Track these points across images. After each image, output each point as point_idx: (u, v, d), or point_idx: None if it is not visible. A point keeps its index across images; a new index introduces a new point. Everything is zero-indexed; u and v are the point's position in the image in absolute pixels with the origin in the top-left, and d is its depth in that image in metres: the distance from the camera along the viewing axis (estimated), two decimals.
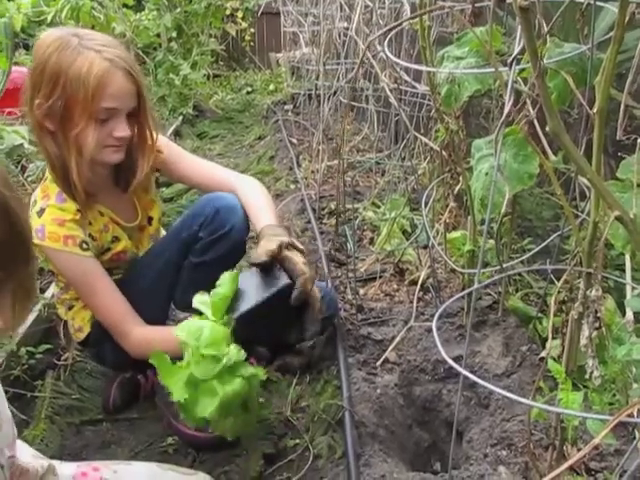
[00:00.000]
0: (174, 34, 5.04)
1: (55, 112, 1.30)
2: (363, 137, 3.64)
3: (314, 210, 2.61)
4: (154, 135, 1.46)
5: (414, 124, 2.53)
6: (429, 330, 1.68)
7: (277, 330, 1.39)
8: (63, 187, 1.37)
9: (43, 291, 1.95)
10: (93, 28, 4.02)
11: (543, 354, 1.50)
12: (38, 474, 1.02)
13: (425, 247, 2.13)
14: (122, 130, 1.34)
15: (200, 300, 1.24)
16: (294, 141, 3.77)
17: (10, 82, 2.95)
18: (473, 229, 1.55)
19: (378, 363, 1.64)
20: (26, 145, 2.68)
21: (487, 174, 1.47)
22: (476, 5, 1.68)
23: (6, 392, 1.52)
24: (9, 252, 0.73)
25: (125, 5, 4.63)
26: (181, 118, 4.63)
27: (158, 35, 4.88)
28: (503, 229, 1.83)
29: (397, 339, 1.66)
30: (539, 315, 1.58)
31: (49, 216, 1.35)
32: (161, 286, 1.51)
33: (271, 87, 6.09)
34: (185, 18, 4.95)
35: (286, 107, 4.78)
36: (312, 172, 3.06)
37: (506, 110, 0.88)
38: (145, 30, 4.55)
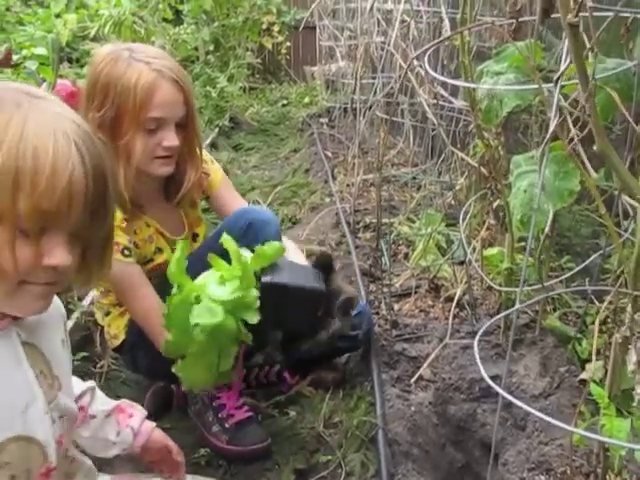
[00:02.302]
0: (211, 47, 5.13)
1: (106, 123, 1.33)
2: (398, 151, 3.64)
3: (349, 224, 2.61)
4: (202, 147, 1.50)
5: (450, 139, 2.51)
6: (465, 348, 1.66)
7: (289, 326, 1.41)
8: None
9: (81, 299, 1.99)
10: (134, 42, 4.12)
11: (583, 376, 1.47)
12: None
13: (461, 263, 2.10)
14: (171, 140, 1.36)
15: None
16: (329, 154, 3.78)
17: (54, 93, 3.04)
18: (511, 247, 1.53)
19: (412, 380, 1.62)
20: None
21: (526, 191, 1.45)
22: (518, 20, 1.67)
23: None
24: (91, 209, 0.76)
25: (165, 19, 4.74)
26: (217, 130, 4.69)
27: (196, 48, 4.97)
28: (541, 247, 1.80)
29: (432, 356, 1.64)
30: (578, 335, 1.54)
31: None
32: None
33: (306, 100, 6.13)
34: (222, 32, 5.04)
35: (321, 120, 4.81)
36: (347, 185, 3.06)
37: (551, 128, 0.87)
38: (183, 43, 4.64)
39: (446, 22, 1.38)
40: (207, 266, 1.49)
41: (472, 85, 1.28)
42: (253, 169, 3.97)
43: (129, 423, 1.11)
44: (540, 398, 1.45)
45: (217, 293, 1.13)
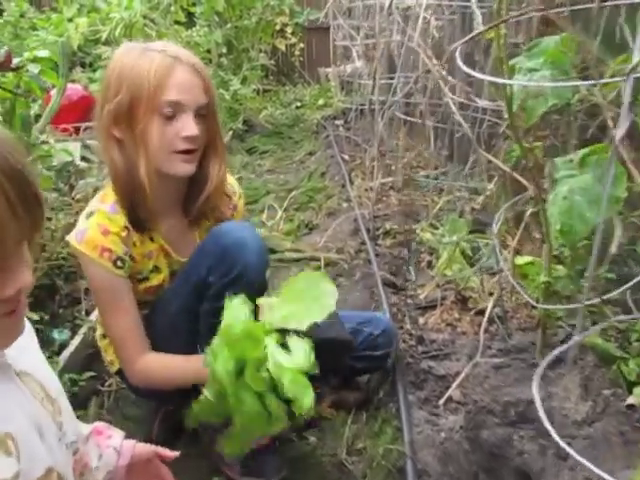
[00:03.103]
0: (224, 49, 5.04)
1: (121, 114, 1.22)
2: (417, 153, 3.52)
3: (368, 230, 2.50)
4: (224, 145, 1.36)
5: (474, 141, 2.39)
6: (497, 367, 1.54)
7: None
8: (123, 199, 1.27)
9: (88, 313, 1.90)
10: None
11: (631, 400, 1.34)
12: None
13: (489, 272, 1.99)
14: (190, 129, 1.22)
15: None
16: (346, 157, 3.67)
17: (65, 98, 2.97)
18: (549, 258, 1.41)
19: (441, 402, 1.50)
20: (77, 162, 2.68)
21: (566, 198, 1.33)
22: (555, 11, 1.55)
23: None
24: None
25: (176, 22, 4.66)
26: (231, 133, 4.61)
27: (209, 51, 4.89)
28: (576, 255, 1.68)
29: (462, 376, 1.52)
30: (623, 355, 1.42)
31: (95, 220, 1.26)
32: (177, 333, 1.36)
33: (320, 102, 6.03)
34: (235, 34, 4.95)
35: (337, 122, 4.70)
36: (365, 190, 2.95)
37: (621, 131, 0.75)
38: (196, 46, 4.55)
39: (478, 13, 1.27)
40: (183, 301, 1.34)
41: (514, 82, 1.16)
42: (268, 173, 3.87)
43: (110, 444, 1.01)
44: (583, 425, 1.32)
45: (295, 361, 0.99)
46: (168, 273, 1.38)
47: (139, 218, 1.29)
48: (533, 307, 1.57)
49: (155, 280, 1.37)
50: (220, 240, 1.28)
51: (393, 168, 3.18)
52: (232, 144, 4.48)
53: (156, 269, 1.37)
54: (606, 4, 1.14)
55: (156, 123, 1.22)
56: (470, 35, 1.08)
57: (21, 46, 4.92)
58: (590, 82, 1.15)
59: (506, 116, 1.47)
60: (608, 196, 1.31)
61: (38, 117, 2.76)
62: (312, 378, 1.06)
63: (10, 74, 1.59)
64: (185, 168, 1.27)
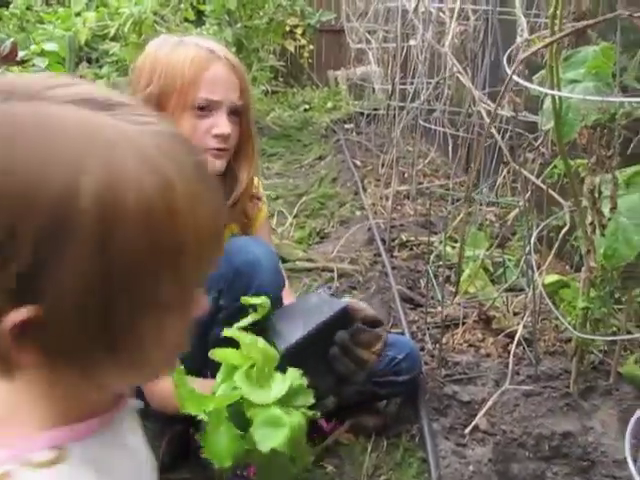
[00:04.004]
0: (234, 49, 4.95)
1: (151, 103, 1.14)
2: (429, 161, 3.43)
3: (383, 241, 2.41)
4: (256, 149, 1.29)
5: (496, 152, 2.31)
6: (527, 395, 1.45)
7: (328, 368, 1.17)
8: None
9: None
10: None
11: None
12: None
13: (513, 290, 1.90)
14: (223, 126, 1.16)
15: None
16: (357, 163, 3.58)
17: None
18: (588, 282, 1.32)
19: (467, 431, 1.41)
20: None
21: (610, 219, 1.24)
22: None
23: None
24: None
25: (186, 19, 4.58)
26: None
27: None
28: (608, 277, 1.60)
29: (489, 403, 1.43)
30: None
31: None
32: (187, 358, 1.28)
33: (329, 105, 5.95)
34: (245, 33, 4.86)
35: (347, 126, 4.62)
36: (380, 198, 2.86)
37: None
38: None
39: (523, 20, 1.18)
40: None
41: (576, 96, 1.08)
42: (276, 176, 3.78)
43: None
44: (624, 463, 1.23)
45: (263, 396, 0.90)
46: None
47: None
48: (565, 336, 1.48)
49: None
50: (231, 260, 1.19)
51: (406, 175, 3.10)
52: None
53: None
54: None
55: (187, 118, 1.16)
56: (541, 44, 0.99)
57: (27, 39, 4.85)
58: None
59: (544, 128, 1.39)
60: None
61: None
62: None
63: (16, 67, 1.50)
64: (214, 164, 1.20)
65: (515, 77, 1.07)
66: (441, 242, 2.26)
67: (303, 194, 3.23)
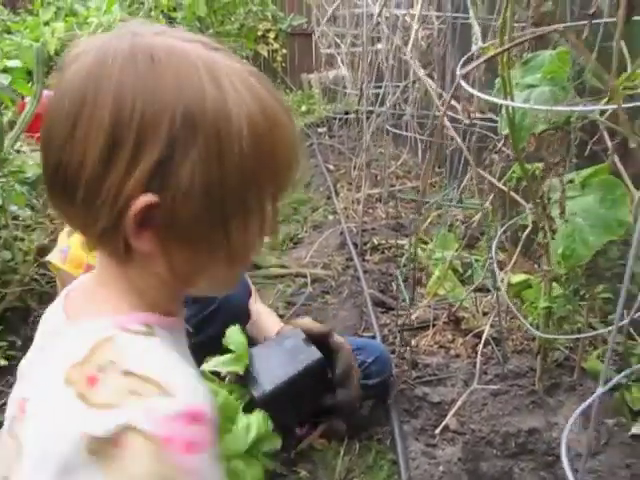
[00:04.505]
0: None
1: None
2: (402, 162, 3.47)
3: (355, 245, 2.43)
4: None
5: (463, 154, 2.34)
6: (495, 394, 1.48)
7: (304, 410, 1.19)
8: None
9: None
10: None
11: (635, 430, 1.29)
12: None
13: (482, 290, 1.93)
14: None
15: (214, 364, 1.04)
16: (330, 167, 3.61)
17: (40, 106, 2.87)
18: (549, 282, 1.35)
19: (437, 431, 1.44)
20: None
21: (567, 221, 1.28)
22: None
23: None
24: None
25: None
26: None
27: None
28: (572, 275, 1.63)
29: (458, 404, 1.46)
30: (627, 383, 1.37)
31: (79, 238, 1.19)
32: None
33: (303, 108, 5.96)
34: (217, 39, 4.86)
35: (320, 130, 4.64)
36: (352, 202, 2.88)
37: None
38: None
39: (477, 29, 1.21)
40: None
41: (526, 106, 1.11)
42: None
43: None
44: (587, 457, 1.27)
45: (231, 445, 0.90)
46: None
47: None
48: (532, 334, 1.51)
49: None
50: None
51: (379, 178, 3.13)
52: None
53: None
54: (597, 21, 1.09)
55: None
56: (486, 56, 1.02)
57: None
58: (592, 108, 1.09)
59: (502, 133, 1.42)
60: (611, 219, 1.26)
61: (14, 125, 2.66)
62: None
63: None
64: None
65: (465, 85, 1.09)
66: (411, 245, 2.29)
67: None
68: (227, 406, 0.96)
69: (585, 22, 1.23)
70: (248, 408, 1.00)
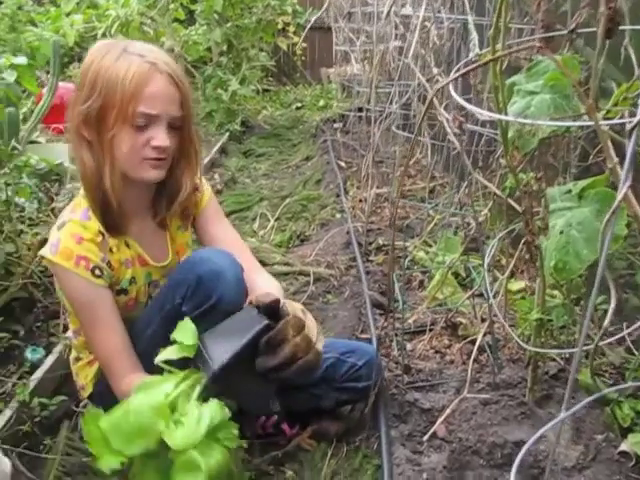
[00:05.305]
0: (224, 48, 4.96)
1: (91, 117, 1.19)
2: (414, 161, 3.45)
3: (360, 245, 2.43)
4: (199, 154, 1.33)
5: (471, 158, 2.32)
6: (485, 403, 1.47)
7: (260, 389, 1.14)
8: (93, 201, 1.24)
9: (66, 329, 1.83)
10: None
11: (624, 447, 1.28)
12: None
13: (481, 295, 1.92)
14: (161, 139, 1.19)
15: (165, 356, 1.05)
16: (342, 164, 3.60)
17: (57, 98, 2.91)
18: (542, 294, 1.34)
19: (425, 438, 1.43)
20: (67, 164, 2.61)
21: (562, 232, 1.26)
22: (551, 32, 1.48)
23: (14, 448, 1.41)
24: None
25: (177, 19, 4.58)
26: (227, 135, 4.54)
27: (209, 49, 4.81)
28: (573, 284, 1.61)
29: (447, 411, 1.45)
30: (619, 398, 1.35)
31: (68, 230, 1.22)
32: (151, 360, 1.21)
33: (321, 103, 5.96)
34: (235, 33, 4.87)
35: (335, 125, 4.63)
36: (360, 201, 2.88)
37: (626, 186, 0.67)
38: (194, 45, 4.48)
39: (474, 36, 1.19)
40: (156, 328, 1.27)
41: (507, 118, 1.09)
42: (263, 177, 3.80)
43: None
44: (573, 471, 1.26)
45: (181, 440, 0.91)
46: (144, 283, 1.35)
47: (111, 219, 1.25)
48: (522, 346, 1.50)
49: (134, 292, 1.33)
50: (195, 268, 1.23)
51: (390, 177, 3.11)
52: (228, 146, 4.42)
53: (133, 280, 1.33)
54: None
55: (126, 132, 1.18)
56: (467, 68, 1.01)
57: (17, 40, 4.86)
58: (590, 122, 1.07)
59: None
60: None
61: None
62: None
63: None
64: (153, 174, 1.24)
65: (454, 93, 1.08)
66: (415, 247, 2.28)
67: (287, 196, 3.25)
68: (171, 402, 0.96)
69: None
70: (206, 393, 0.99)
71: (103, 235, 1.25)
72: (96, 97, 1.17)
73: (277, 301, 1.13)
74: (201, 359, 1.03)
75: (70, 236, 1.22)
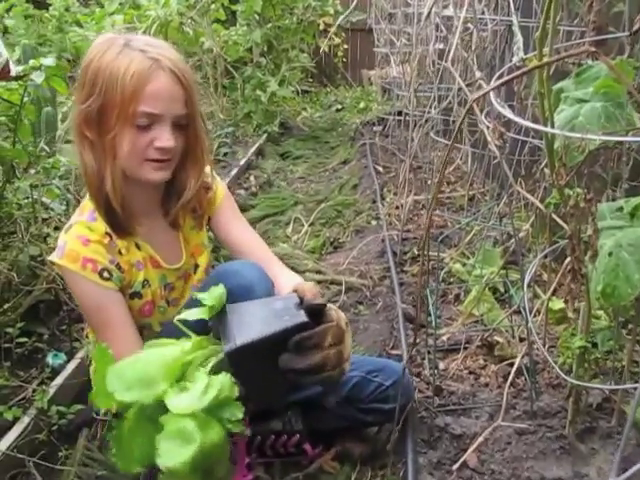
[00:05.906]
0: (265, 49, 4.93)
1: (92, 116, 1.14)
2: (455, 167, 3.34)
3: (395, 254, 2.34)
4: (206, 152, 1.28)
5: (513, 166, 2.21)
6: (521, 433, 1.37)
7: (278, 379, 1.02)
8: (97, 203, 1.20)
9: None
10: (181, 44, 3.97)
11: None
12: None
13: (520, 312, 1.81)
14: (165, 140, 1.14)
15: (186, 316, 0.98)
16: (380, 169, 3.51)
17: None
18: (587, 319, 1.23)
19: (455, 467, 1.34)
20: None
21: (611, 254, 1.15)
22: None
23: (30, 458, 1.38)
24: None
25: (218, 20, 4.57)
26: (265, 136, 4.50)
27: (249, 50, 4.78)
28: (621, 306, 1.49)
29: (480, 439, 1.35)
30: None
31: (74, 232, 1.19)
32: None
33: (361, 105, 5.87)
34: (275, 33, 4.83)
35: (375, 128, 4.54)
36: (396, 208, 2.78)
37: None
38: (234, 45, 4.46)
39: (519, 38, 1.10)
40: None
41: (553, 131, 1.00)
42: (299, 180, 3.75)
43: None
44: None
45: (182, 403, 0.84)
46: (159, 286, 1.30)
47: (116, 220, 1.21)
48: (562, 358, 1.39)
49: (149, 295, 1.28)
50: (226, 282, 1.15)
51: (429, 183, 3.01)
52: (266, 147, 4.38)
53: (147, 283, 1.28)
54: None
55: (128, 132, 1.13)
56: (512, 76, 0.92)
57: (63, 40, 4.94)
58: (624, 138, 0.97)
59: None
60: None
61: None
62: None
63: (14, 82, 1.51)
64: (157, 175, 1.19)
65: (495, 102, 0.99)
66: (452, 258, 2.18)
67: (322, 201, 3.19)
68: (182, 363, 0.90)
69: None
70: (219, 367, 0.92)
71: (110, 236, 1.21)
72: (96, 96, 1.12)
73: (323, 305, 1.04)
74: (225, 329, 0.95)
75: (76, 238, 1.18)
